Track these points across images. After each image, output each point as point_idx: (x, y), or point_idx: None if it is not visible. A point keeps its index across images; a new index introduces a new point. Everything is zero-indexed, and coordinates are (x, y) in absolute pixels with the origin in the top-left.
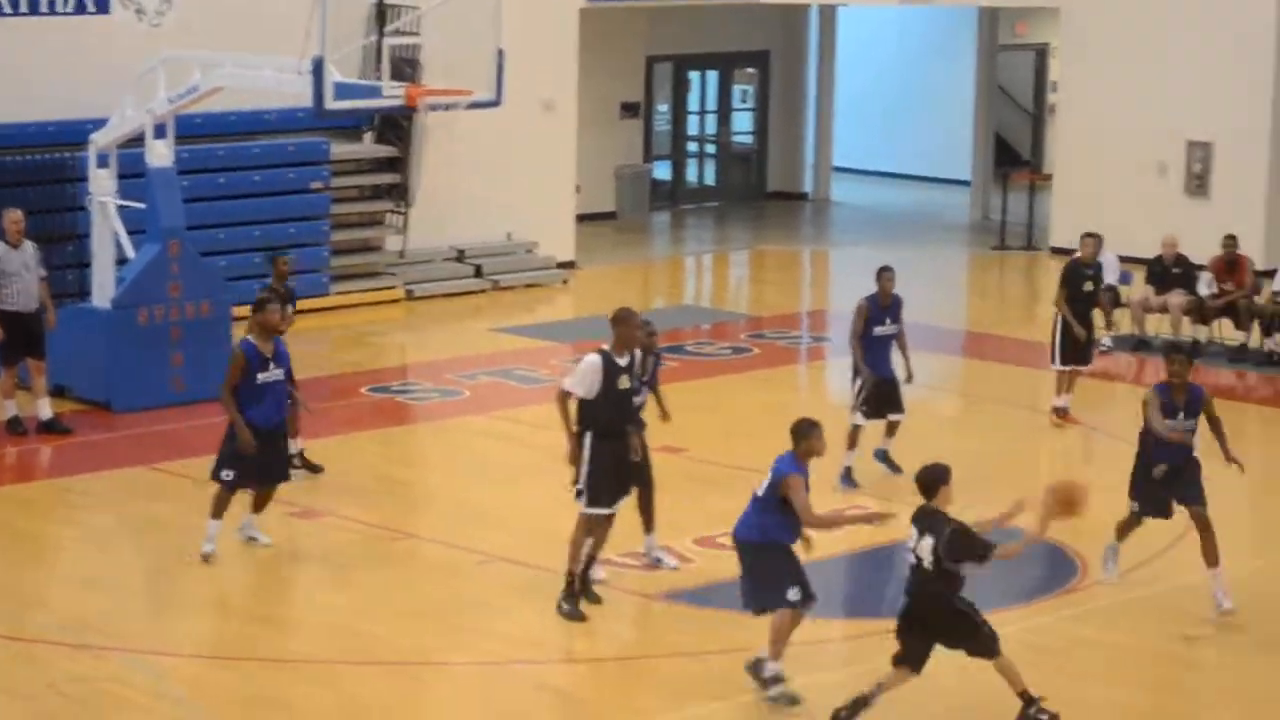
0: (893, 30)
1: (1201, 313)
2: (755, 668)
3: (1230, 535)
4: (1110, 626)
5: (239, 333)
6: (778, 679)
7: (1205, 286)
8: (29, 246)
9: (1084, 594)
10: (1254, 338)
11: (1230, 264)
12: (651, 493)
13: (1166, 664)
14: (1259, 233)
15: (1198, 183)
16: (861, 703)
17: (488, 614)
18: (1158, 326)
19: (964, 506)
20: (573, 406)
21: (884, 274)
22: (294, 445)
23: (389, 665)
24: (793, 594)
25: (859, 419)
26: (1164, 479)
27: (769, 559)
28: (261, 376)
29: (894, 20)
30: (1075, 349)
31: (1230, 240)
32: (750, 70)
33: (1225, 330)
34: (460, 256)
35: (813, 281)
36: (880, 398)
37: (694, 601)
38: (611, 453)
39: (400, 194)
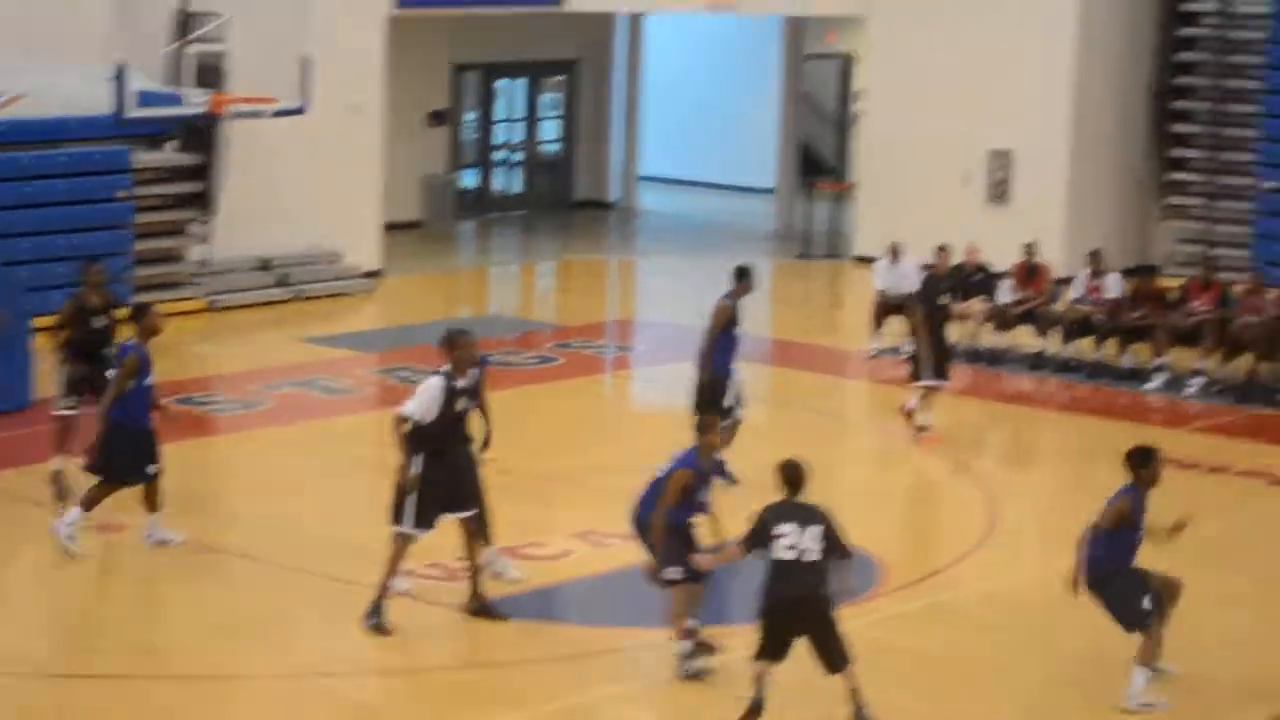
0: (699, 39)
1: (1002, 320)
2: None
3: (1028, 541)
4: (910, 632)
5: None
6: (685, 655)
7: (1006, 293)
8: None
9: (885, 600)
10: (1052, 344)
11: (1030, 271)
12: (484, 506)
13: (964, 669)
14: (1058, 240)
15: (999, 191)
16: (756, 709)
17: (291, 627)
18: (958, 334)
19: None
20: (406, 429)
21: (746, 275)
22: (58, 462)
23: (190, 679)
24: (671, 572)
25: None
26: None
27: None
28: (146, 381)
29: (700, 29)
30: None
31: (1030, 247)
32: (558, 79)
33: (1024, 337)
34: (265, 266)
35: (619, 291)
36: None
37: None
38: (443, 473)
39: (204, 203)
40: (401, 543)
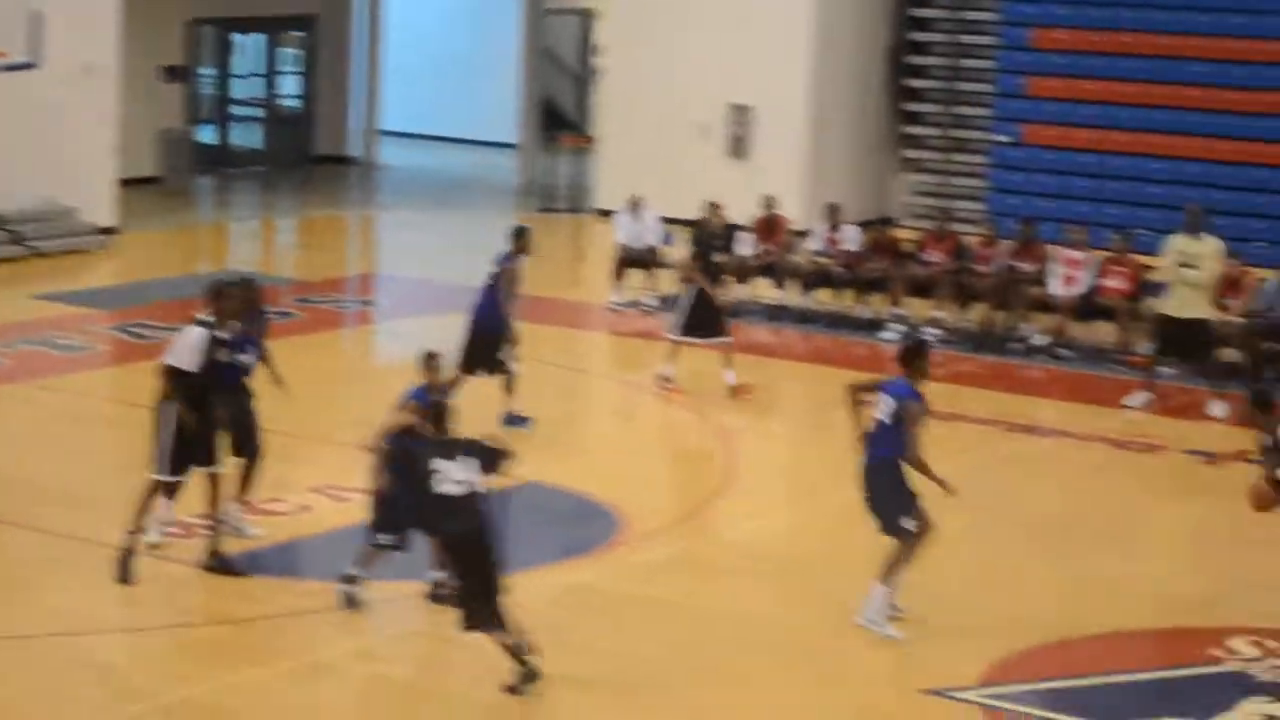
0: None
1: (742, 272)
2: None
3: (768, 489)
4: (649, 581)
5: None
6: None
7: (746, 246)
8: None
9: (624, 550)
10: (791, 296)
11: (769, 224)
12: (257, 461)
13: (703, 616)
14: (797, 194)
15: (738, 145)
16: (518, 653)
17: (29, 585)
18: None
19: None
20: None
21: (524, 234)
22: None
23: None
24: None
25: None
26: None
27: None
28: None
29: None
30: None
31: (769, 201)
32: (297, 34)
33: (764, 289)
34: None
35: (360, 245)
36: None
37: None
38: (197, 423)
39: None
40: (152, 489)
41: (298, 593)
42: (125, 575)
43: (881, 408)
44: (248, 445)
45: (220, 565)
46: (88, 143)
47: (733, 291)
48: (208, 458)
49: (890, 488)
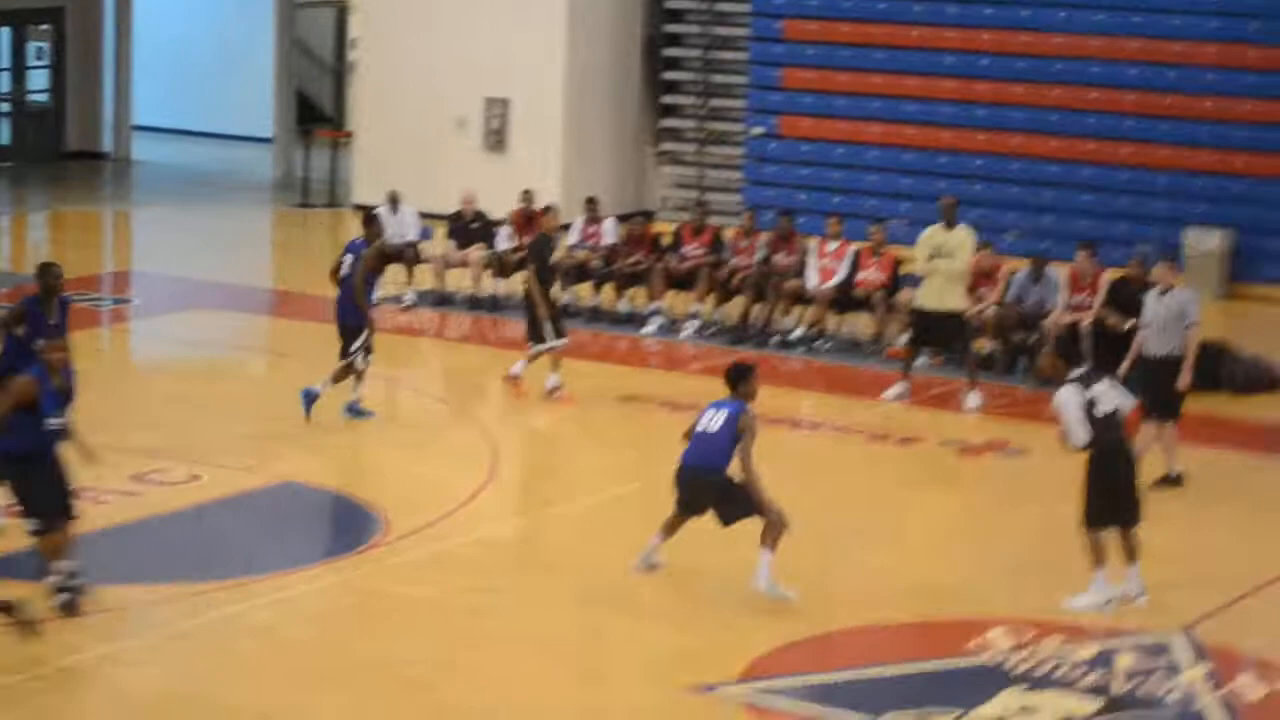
0: None
1: (501, 266)
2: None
3: (529, 487)
4: (412, 580)
5: None
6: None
7: (504, 240)
8: None
9: (386, 549)
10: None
11: (528, 218)
12: None
13: (464, 613)
14: (555, 186)
15: (496, 138)
16: None
17: None
18: (459, 282)
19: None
20: None
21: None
22: None
23: None
24: None
25: (361, 362)
26: None
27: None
28: None
29: None
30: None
31: (527, 194)
32: (44, 26)
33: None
34: None
35: (114, 243)
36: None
37: None
38: None
39: None
40: None
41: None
42: None
43: (710, 419)
44: None
45: None
46: None
47: (491, 287)
48: None
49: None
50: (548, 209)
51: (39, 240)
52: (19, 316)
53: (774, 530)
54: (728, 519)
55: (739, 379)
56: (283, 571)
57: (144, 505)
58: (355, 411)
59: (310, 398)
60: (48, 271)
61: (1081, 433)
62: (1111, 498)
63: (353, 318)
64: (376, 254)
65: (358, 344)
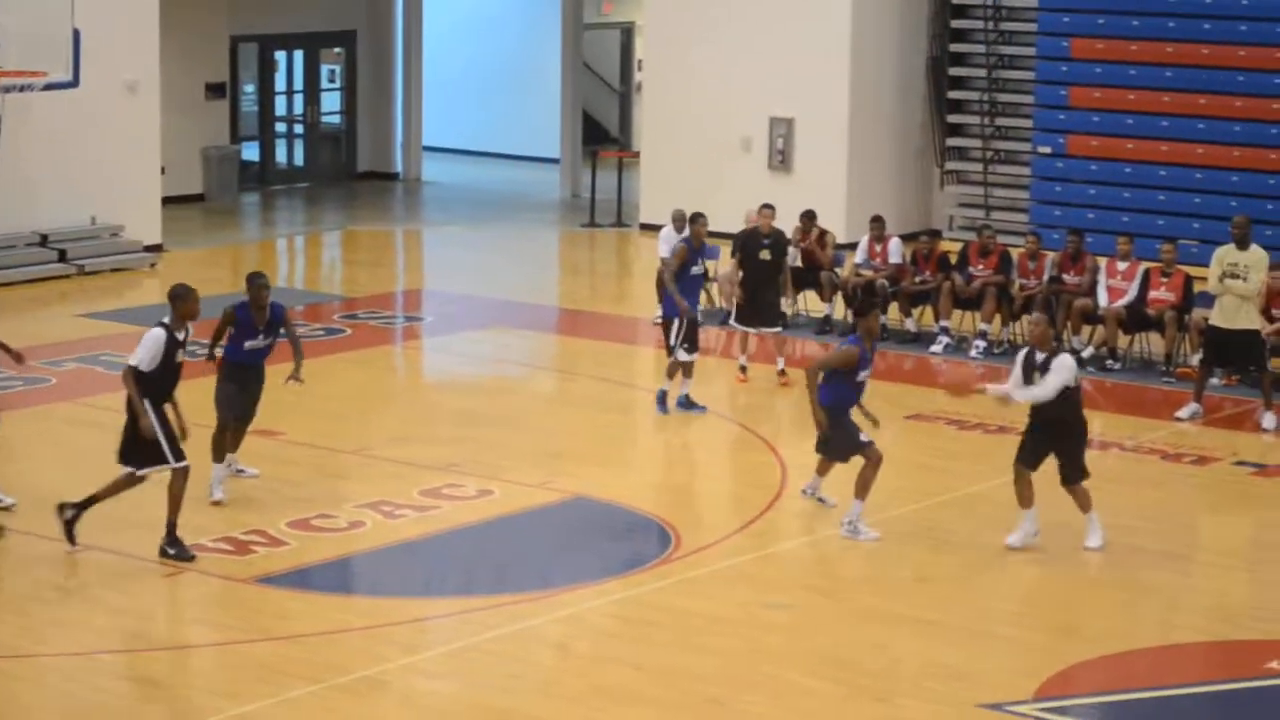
0: (479, 8)
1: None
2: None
3: (815, 505)
4: (702, 595)
5: None
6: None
7: (791, 260)
8: None
9: (677, 564)
10: (837, 309)
11: (814, 238)
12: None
13: (755, 629)
14: (840, 207)
15: (780, 158)
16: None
17: (76, 604)
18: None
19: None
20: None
21: (698, 219)
22: None
23: None
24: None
25: (682, 355)
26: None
27: None
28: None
29: None
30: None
31: (810, 215)
32: (337, 50)
33: (810, 302)
34: (43, 241)
35: (406, 262)
36: (691, 334)
37: (286, 584)
38: (163, 420)
39: None
40: (174, 476)
41: (349, 609)
42: (181, 554)
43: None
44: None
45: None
46: (132, 161)
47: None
48: (161, 457)
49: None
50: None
51: (333, 259)
52: (229, 320)
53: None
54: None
55: (858, 313)
56: (576, 586)
57: (438, 520)
58: (686, 405)
59: (660, 397)
60: (252, 282)
61: None
62: None
63: (667, 308)
64: (687, 251)
65: (675, 337)
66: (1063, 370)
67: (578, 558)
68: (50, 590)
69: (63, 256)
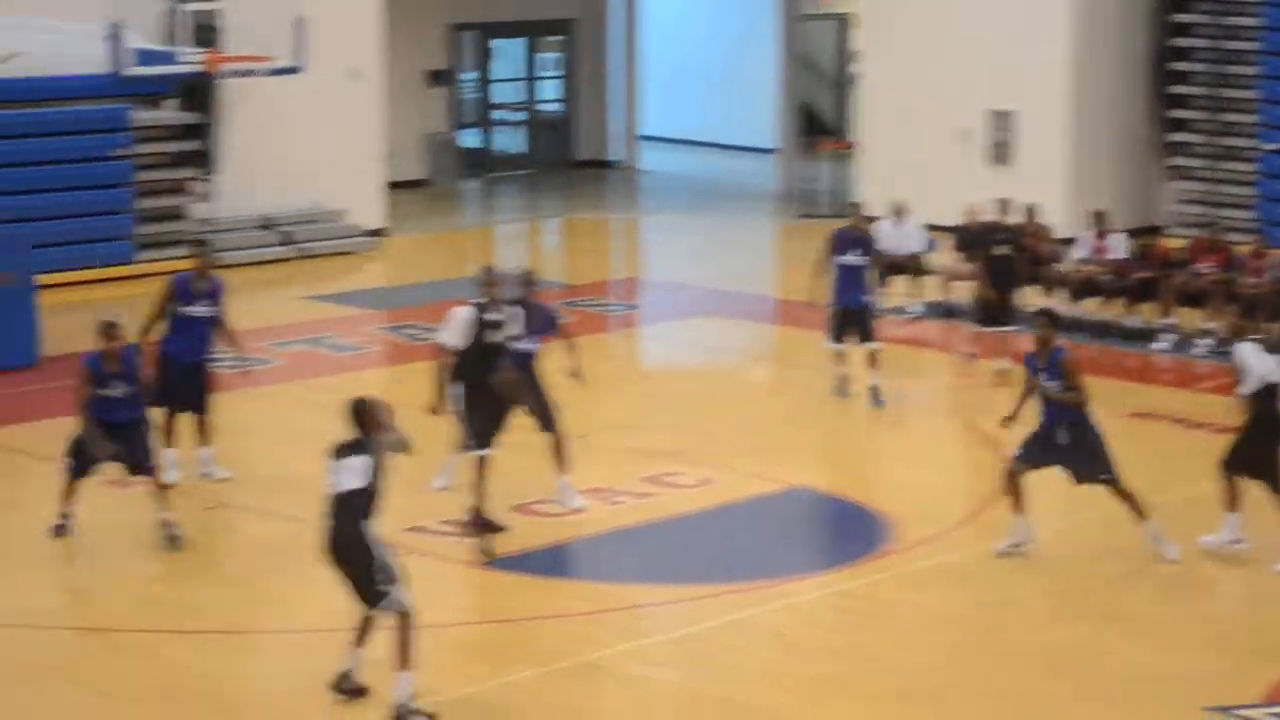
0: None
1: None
2: None
3: (1045, 496)
4: (920, 589)
5: (48, 300)
6: None
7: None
8: None
9: (897, 558)
10: (1059, 304)
11: (1033, 232)
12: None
13: (974, 626)
14: (1060, 200)
15: (1000, 151)
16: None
17: (303, 583)
18: (964, 294)
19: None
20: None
21: (853, 207)
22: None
23: (204, 635)
24: None
25: (829, 344)
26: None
27: None
28: (192, 309)
29: None
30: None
31: (1031, 209)
32: (556, 38)
33: (1031, 297)
34: (268, 224)
35: (623, 250)
36: (843, 325)
37: (508, 568)
38: (483, 399)
39: (204, 161)
40: (474, 464)
41: (570, 594)
42: (487, 550)
43: None
44: (549, 424)
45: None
46: (355, 146)
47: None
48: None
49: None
50: (1003, 201)
51: (552, 246)
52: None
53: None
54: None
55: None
56: (794, 577)
57: (658, 507)
58: (874, 398)
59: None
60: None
61: None
62: None
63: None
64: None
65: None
66: None
67: (797, 548)
68: (273, 566)
69: (286, 239)
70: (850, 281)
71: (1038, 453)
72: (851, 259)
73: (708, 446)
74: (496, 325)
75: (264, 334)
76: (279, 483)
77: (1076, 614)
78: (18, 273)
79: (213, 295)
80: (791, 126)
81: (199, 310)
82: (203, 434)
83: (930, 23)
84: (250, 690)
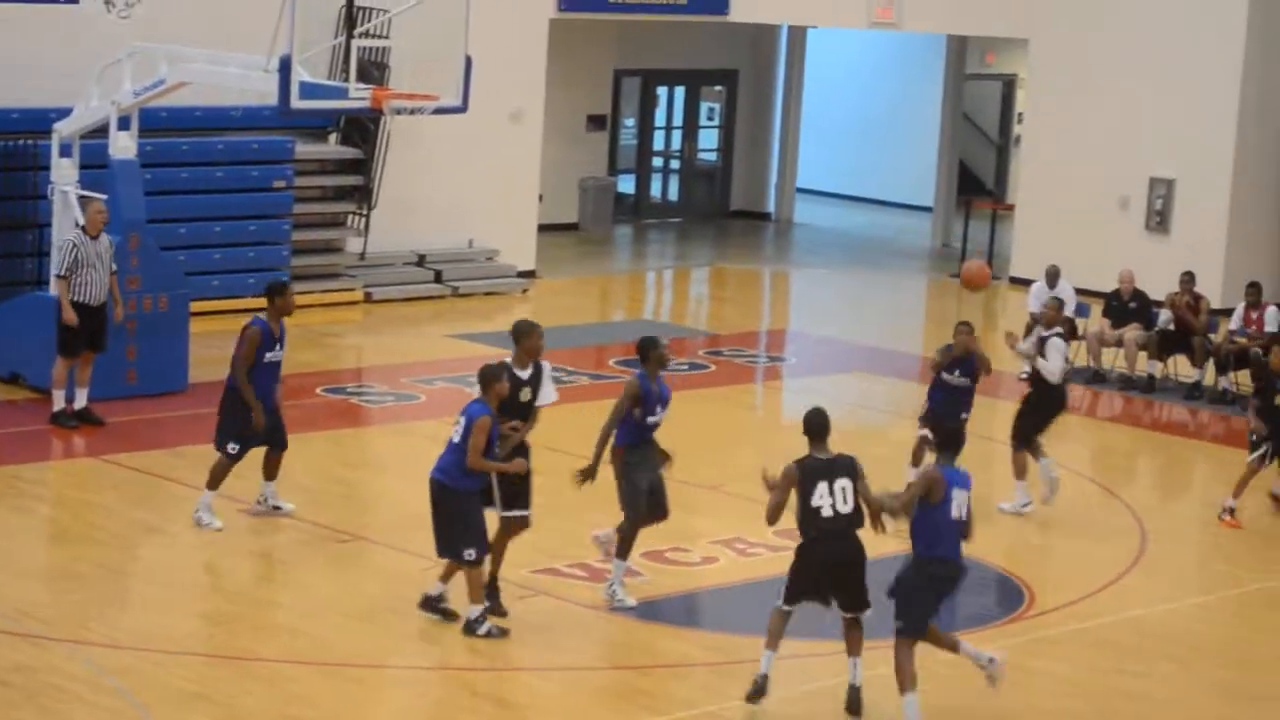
0: (861, 54)
1: (1157, 348)
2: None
3: (1175, 571)
4: (1055, 656)
5: (198, 327)
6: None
7: (1162, 322)
8: (105, 239)
9: (1030, 623)
10: (1208, 376)
11: (1187, 302)
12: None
13: (1109, 695)
14: (1217, 271)
15: (1158, 219)
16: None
17: (428, 619)
18: (1113, 361)
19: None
20: None
21: (960, 328)
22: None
23: (330, 666)
24: (468, 554)
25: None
26: None
27: (455, 504)
28: (270, 356)
29: (863, 44)
30: None
31: (1188, 277)
32: (718, 88)
33: (1181, 367)
34: (421, 261)
35: (772, 301)
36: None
37: (636, 615)
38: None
39: (363, 196)
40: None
41: (696, 643)
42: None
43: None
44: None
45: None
46: (511, 187)
47: (1146, 368)
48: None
49: None
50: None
51: (700, 295)
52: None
53: None
54: None
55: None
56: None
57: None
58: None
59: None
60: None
61: None
62: None
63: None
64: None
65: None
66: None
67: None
68: (405, 603)
69: (438, 277)
70: (950, 402)
71: None
72: (956, 380)
73: None
74: (527, 384)
75: (410, 370)
76: (411, 519)
77: (1216, 690)
78: (172, 299)
79: (283, 339)
80: (949, 185)
81: (277, 355)
82: (273, 469)
83: (1095, 86)
84: None
